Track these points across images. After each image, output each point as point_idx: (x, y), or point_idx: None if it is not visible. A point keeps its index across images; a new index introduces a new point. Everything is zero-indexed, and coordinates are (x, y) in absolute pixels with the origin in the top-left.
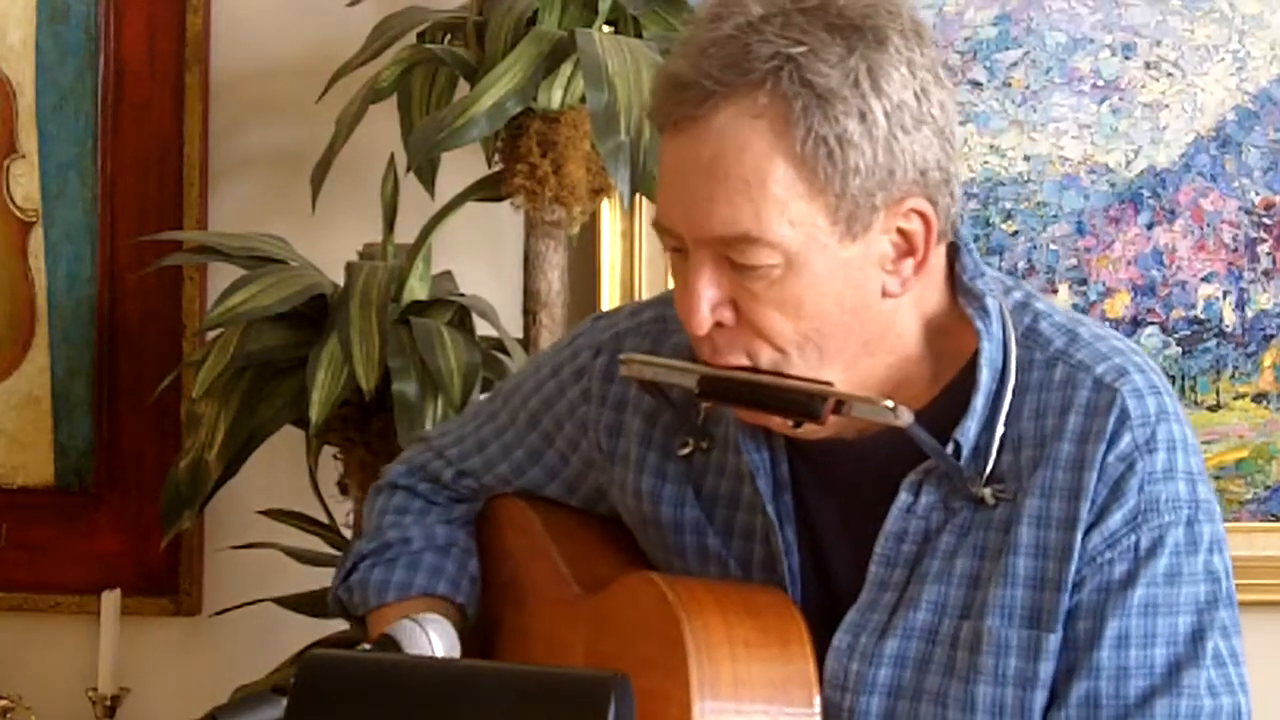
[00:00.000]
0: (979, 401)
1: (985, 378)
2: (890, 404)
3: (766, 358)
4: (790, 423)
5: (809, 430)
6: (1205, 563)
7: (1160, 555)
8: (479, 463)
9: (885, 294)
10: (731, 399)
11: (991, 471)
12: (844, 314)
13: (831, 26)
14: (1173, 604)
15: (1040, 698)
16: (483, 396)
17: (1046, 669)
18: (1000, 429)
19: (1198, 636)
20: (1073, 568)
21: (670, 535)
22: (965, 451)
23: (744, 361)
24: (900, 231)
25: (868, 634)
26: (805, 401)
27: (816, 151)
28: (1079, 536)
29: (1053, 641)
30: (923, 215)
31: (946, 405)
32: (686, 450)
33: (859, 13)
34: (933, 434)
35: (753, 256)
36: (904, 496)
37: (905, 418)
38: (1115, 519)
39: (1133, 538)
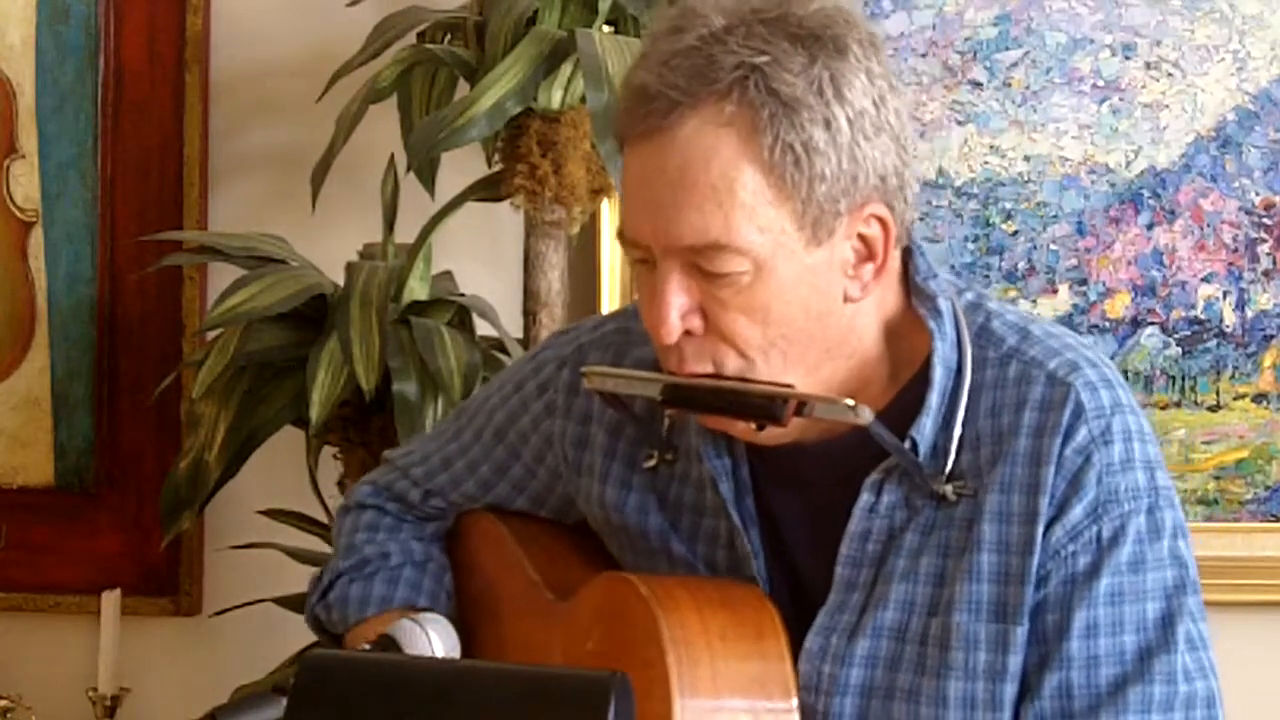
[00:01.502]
0: (934, 399)
1: (939, 376)
2: (851, 403)
3: (733, 365)
4: (753, 426)
5: (772, 434)
6: (1170, 548)
7: (1123, 544)
8: (445, 480)
9: (847, 299)
10: (695, 405)
11: (951, 470)
12: (808, 319)
13: (793, 36)
14: (1139, 591)
15: (1010, 690)
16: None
17: (1015, 661)
18: (958, 428)
19: (1167, 622)
20: (1035, 561)
21: (638, 542)
22: (923, 449)
23: (710, 370)
24: (861, 237)
25: (838, 635)
26: (767, 404)
27: (784, 158)
28: (1040, 530)
29: (1020, 634)
30: (882, 221)
31: (904, 405)
32: (652, 462)
33: (818, 23)
34: (892, 433)
35: (722, 264)
36: (866, 496)
37: (866, 416)
38: (1076, 511)
39: (1094, 529)
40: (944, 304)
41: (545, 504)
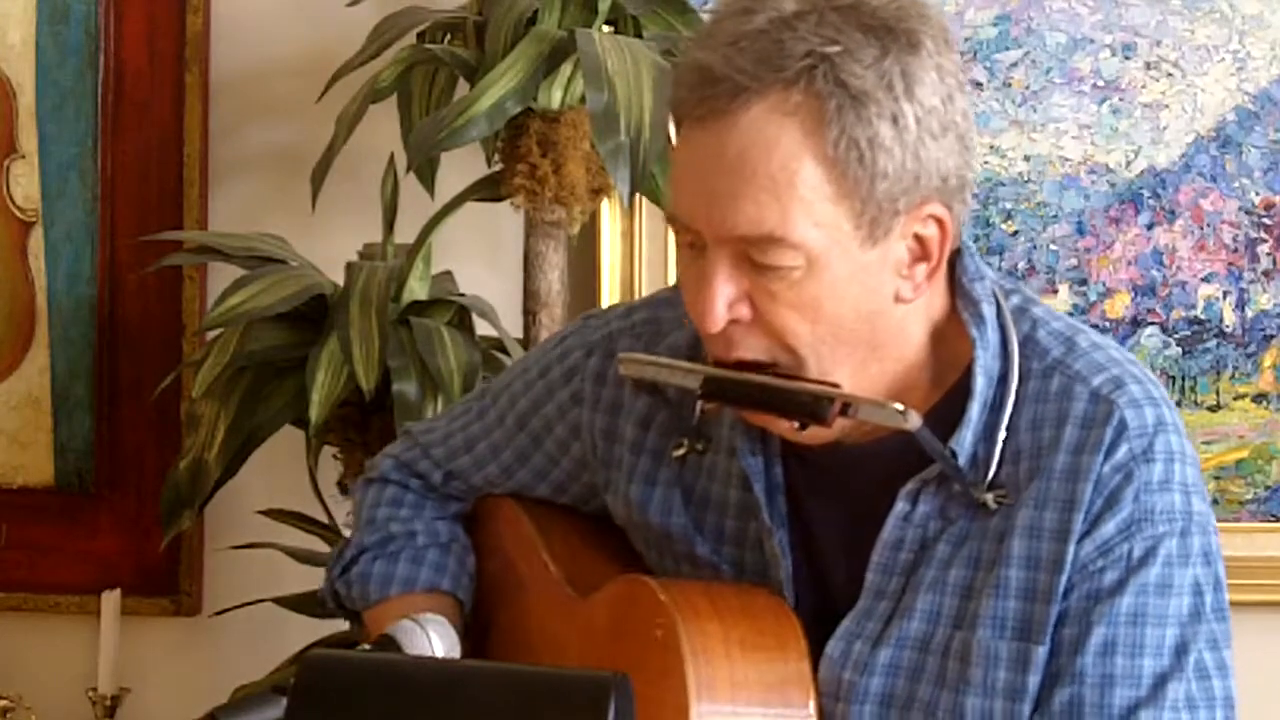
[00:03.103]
0: (974, 410)
1: (980, 386)
2: (900, 407)
3: (780, 360)
4: (795, 425)
5: (813, 434)
6: (1193, 576)
7: (1152, 565)
8: (467, 462)
9: (898, 299)
10: (736, 400)
11: (992, 481)
12: (858, 319)
13: (866, 27)
14: (1162, 615)
15: (1029, 710)
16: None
17: (1035, 681)
18: (1001, 439)
19: (1181, 650)
20: (1064, 578)
21: (661, 542)
22: (963, 460)
23: (759, 359)
24: (917, 237)
25: (862, 642)
26: (812, 403)
27: (848, 153)
28: (1071, 547)
29: (1041, 654)
30: (940, 221)
31: (946, 412)
32: (681, 451)
33: (892, 14)
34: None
35: (775, 257)
36: (901, 505)
37: (914, 421)
38: (1109, 527)
39: (1126, 546)
40: (988, 310)
41: (567, 492)
